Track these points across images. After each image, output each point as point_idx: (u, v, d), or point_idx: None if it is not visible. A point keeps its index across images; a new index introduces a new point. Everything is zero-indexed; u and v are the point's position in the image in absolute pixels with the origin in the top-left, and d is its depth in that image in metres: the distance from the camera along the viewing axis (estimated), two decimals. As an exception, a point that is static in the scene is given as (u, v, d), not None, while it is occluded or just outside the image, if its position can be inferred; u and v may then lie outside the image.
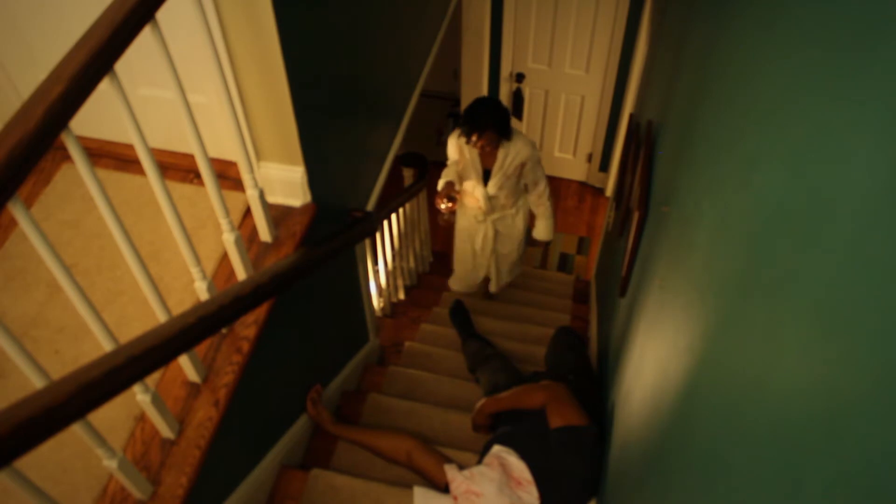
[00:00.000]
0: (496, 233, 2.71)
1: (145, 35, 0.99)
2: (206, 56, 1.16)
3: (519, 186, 2.56)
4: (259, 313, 1.41)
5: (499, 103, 2.32)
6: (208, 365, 1.35)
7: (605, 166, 4.22)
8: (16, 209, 0.84)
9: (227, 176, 1.59)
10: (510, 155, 2.41)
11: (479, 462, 1.73)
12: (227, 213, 1.29)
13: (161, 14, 1.00)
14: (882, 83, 0.43)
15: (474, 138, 2.30)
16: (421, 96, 2.66)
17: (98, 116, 1.51)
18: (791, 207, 0.59)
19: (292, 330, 1.72)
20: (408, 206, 3.02)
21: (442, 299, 3.19)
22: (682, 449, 0.86)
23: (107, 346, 1.04)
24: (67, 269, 0.93)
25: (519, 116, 4.11)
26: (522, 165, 2.43)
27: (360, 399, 2.16)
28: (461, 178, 2.56)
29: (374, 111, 2.12)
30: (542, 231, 2.69)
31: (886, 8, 0.44)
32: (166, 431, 1.24)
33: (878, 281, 0.40)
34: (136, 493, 1.16)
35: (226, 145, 1.57)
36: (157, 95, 1.55)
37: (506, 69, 3.93)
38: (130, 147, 1.03)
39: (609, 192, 4.23)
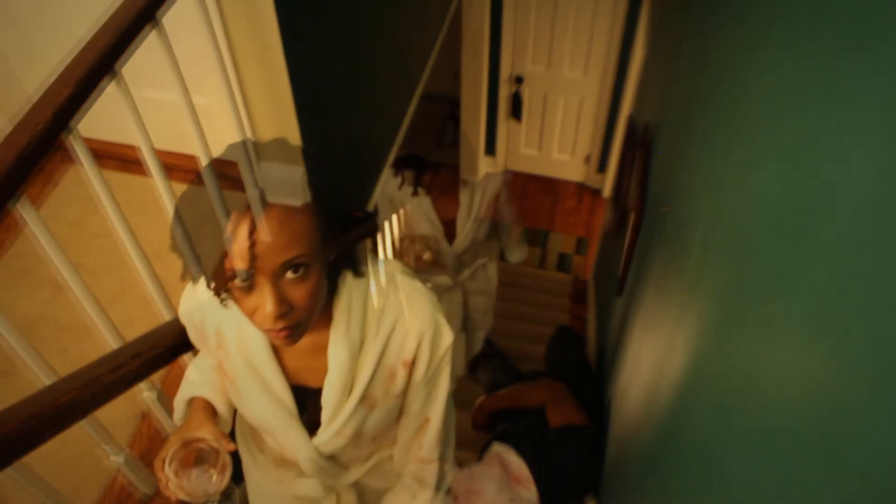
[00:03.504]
0: (466, 296, 1.92)
1: (149, 37, 1.01)
2: (208, 57, 1.17)
3: (485, 229, 1.83)
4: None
5: None
6: (211, 363, 1.36)
7: (603, 167, 4.24)
8: (23, 210, 0.85)
9: (228, 176, 1.60)
10: (478, 190, 1.67)
11: (479, 460, 1.74)
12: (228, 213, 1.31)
13: (165, 17, 1.02)
14: (879, 83, 0.43)
15: (427, 178, 1.64)
16: (421, 98, 2.68)
17: (100, 118, 1.53)
18: (787, 208, 0.59)
19: (294, 329, 1.73)
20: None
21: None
22: (679, 447, 0.86)
23: (112, 345, 1.05)
24: (73, 269, 0.95)
25: (518, 118, 4.13)
26: (497, 197, 1.70)
27: (360, 398, 2.17)
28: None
29: (374, 112, 2.13)
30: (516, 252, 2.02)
31: (884, 9, 0.44)
32: (171, 428, 1.25)
33: (873, 282, 0.40)
34: (142, 489, 1.17)
35: (227, 146, 1.58)
36: (162, 97, 1.57)
37: (505, 71, 3.95)
38: (132, 148, 1.04)
39: (607, 192, 4.24)
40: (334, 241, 0.77)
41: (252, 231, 0.65)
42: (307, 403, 0.87)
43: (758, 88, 0.77)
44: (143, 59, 1.14)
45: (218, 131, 1.51)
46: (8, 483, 1.05)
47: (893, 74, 0.41)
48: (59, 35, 1.51)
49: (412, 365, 0.86)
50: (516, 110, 4.08)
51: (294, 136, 1.47)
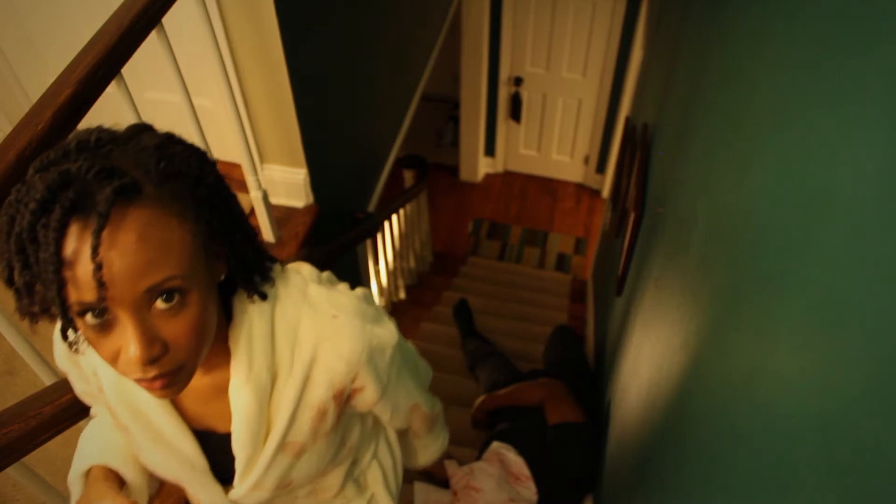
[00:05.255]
0: None
1: (151, 39, 1.01)
2: (210, 60, 1.18)
3: None
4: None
5: None
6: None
7: (601, 168, 4.25)
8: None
9: (232, 177, 1.61)
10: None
11: (479, 458, 1.75)
12: (231, 213, 1.32)
13: (167, 19, 1.02)
14: (876, 84, 0.44)
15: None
16: (421, 99, 2.69)
17: (105, 119, 1.53)
18: (783, 208, 0.59)
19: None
20: (408, 206, 3.04)
21: (442, 298, 3.21)
22: (677, 445, 0.87)
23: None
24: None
25: (517, 119, 4.14)
26: None
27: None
28: None
29: (375, 114, 2.14)
30: None
31: (884, 8, 0.44)
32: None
33: (870, 281, 0.40)
34: (142, 490, 1.17)
35: (230, 147, 1.59)
36: (164, 98, 1.57)
37: (504, 73, 3.96)
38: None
39: (605, 193, 4.25)
40: (226, 255, 0.58)
41: (97, 247, 0.46)
42: (219, 452, 0.70)
43: (757, 88, 0.78)
44: (145, 60, 1.15)
45: (220, 132, 1.52)
46: (8, 483, 1.06)
47: (893, 74, 0.42)
48: (60, 35, 1.52)
49: (353, 395, 0.70)
50: (515, 111, 4.09)
51: (294, 138, 1.48)
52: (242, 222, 0.60)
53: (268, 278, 0.64)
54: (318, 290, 0.68)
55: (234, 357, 0.63)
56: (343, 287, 0.73)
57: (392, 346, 0.71)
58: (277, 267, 0.67)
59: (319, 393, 0.67)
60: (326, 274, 0.74)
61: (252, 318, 0.63)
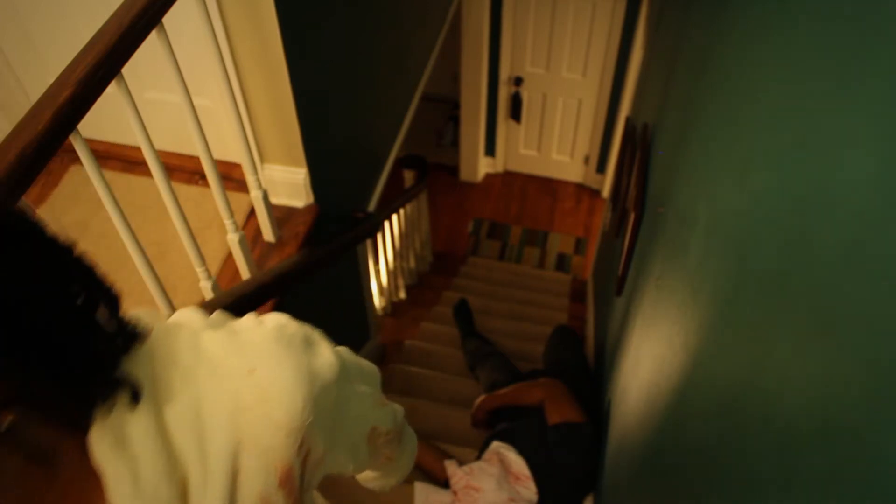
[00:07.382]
0: None
1: (151, 39, 1.01)
2: (210, 60, 1.18)
3: None
4: (262, 312, 1.43)
5: None
6: (212, 363, 1.37)
7: (601, 168, 4.25)
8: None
9: (232, 177, 1.61)
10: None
11: (479, 458, 1.75)
12: (232, 213, 1.32)
13: (167, 19, 1.03)
14: (876, 84, 0.44)
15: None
16: (421, 99, 2.69)
17: (105, 119, 1.54)
18: (783, 207, 0.59)
19: (294, 329, 1.74)
20: (408, 206, 3.04)
21: (442, 298, 3.22)
22: (677, 445, 0.87)
23: (114, 344, 1.05)
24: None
25: (517, 119, 4.14)
26: None
27: (360, 398, 2.18)
28: None
29: (375, 114, 2.14)
30: None
31: (884, 9, 0.45)
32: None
33: (870, 281, 0.40)
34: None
35: (230, 147, 1.59)
36: (164, 99, 1.57)
37: (504, 73, 3.96)
38: (137, 149, 1.05)
39: (606, 193, 4.25)
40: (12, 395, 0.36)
41: None
42: None
43: (756, 88, 0.78)
44: (145, 60, 1.15)
45: (220, 132, 1.52)
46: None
47: (893, 75, 0.42)
48: (60, 35, 1.52)
49: (302, 466, 0.49)
50: (515, 111, 4.10)
51: (294, 137, 1.48)
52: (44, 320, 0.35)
53: (126, 359, 0.43)
54: (215, 338, 0.47)
55: (106, 478, 0.41)
56: (248, 322, 0.51)
57: (334, 378, 0.51)
58: (147, 326, 0.46)
59: (257, 486, 0.46)
60: (217, 314, 0.53)
61: (121, 416, 0.42)
